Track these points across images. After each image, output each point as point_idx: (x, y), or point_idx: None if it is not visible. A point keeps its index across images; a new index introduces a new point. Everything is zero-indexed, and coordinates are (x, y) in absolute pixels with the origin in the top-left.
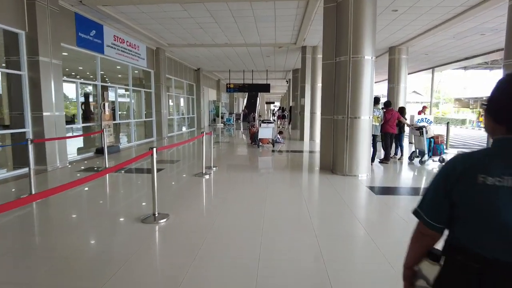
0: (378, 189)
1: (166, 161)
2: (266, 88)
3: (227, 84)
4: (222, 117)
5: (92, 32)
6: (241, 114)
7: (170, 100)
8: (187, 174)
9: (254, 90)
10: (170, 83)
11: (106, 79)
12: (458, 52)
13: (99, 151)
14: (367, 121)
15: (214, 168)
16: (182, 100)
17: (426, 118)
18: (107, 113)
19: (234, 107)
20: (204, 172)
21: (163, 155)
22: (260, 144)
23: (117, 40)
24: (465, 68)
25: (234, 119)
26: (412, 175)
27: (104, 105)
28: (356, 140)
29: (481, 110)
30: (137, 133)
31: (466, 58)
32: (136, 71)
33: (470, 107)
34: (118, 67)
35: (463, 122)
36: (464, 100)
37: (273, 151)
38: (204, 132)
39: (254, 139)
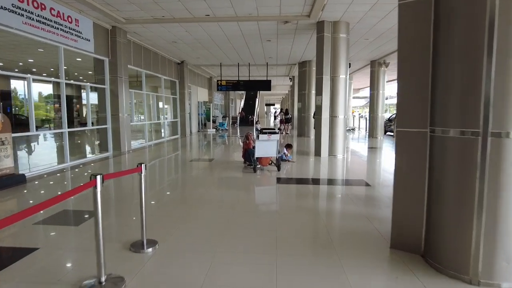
0: None
1: (59, 220)
2: (266, 85)
3: (218, 80)
4: (214, 121)
5: None
6: (238, 117)
7: (137, 100)
8: (65, 285)
9: (251, 87)
10: (140, 78)
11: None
12: None
13: None
14: None
15: (150, 249)
16: (158, 100)
17: None
18: None
19: (231, 110)
20: (104, 279)
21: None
22: (258, 166)
23: (29, 3)
24: None
25: (230, 123)
26: None
27: None
28: (507, 190)
29: None
30: (76, 148)
31: None
32: (78, 58)
33: None
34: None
35: None
36: None
37: (278, 179)
38: (98, 178)
39: (248, 157)
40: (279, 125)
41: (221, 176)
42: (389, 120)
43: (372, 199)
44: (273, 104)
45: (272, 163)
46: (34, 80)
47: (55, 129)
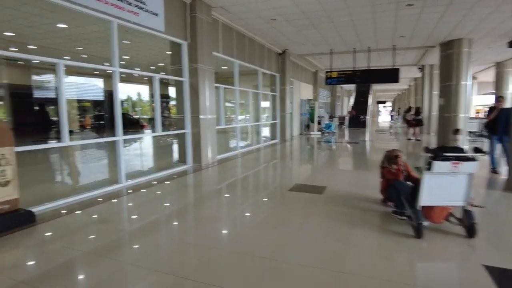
0: None
1: None
2: (392, 75)
3: (326, 72)
4: (319, 122)
5: None
6: (346, 118)
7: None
8: None
9: (372, 79)
10: (232, 70)
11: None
12: None
13: None
14: None
15: None
16: (254, 97)
17: None
18: None
19: (336, 109)
20: None
21: None
22: (424, 222)
23: None
24: None
25: (337, 125)
26: None
27: None
28: None
29: None
30: (145, 162)
31: None
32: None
33: None
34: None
35: None
36: None
37: (496, 275)
38: None
39: (396, 198)
40: (408, 129)
41: (341, 242)
42: None
43: None
44: (384, 102)
45: (451, 218)
46: (69, 71)
47: (104, 136)
